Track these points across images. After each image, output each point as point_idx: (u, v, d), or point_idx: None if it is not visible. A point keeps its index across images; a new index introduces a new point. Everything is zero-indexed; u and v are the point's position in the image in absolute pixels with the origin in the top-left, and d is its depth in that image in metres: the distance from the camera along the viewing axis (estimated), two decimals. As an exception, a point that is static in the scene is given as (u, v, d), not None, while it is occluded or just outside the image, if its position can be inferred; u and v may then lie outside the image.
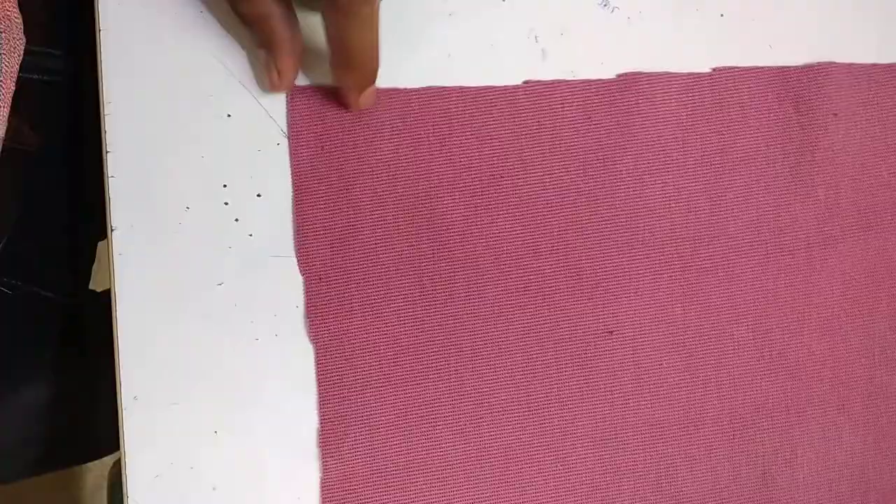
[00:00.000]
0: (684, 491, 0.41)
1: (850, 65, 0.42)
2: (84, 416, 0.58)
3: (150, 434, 0.39)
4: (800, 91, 0.42)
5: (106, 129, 0.38)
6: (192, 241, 0.39)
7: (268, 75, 0.38)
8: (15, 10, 0.38)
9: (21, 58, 0.39)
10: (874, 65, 0.42)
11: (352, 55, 0.36)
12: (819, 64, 0.42)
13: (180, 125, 0.39)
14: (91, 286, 0.57)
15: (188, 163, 0.39)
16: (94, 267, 0.57)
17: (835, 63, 0.42)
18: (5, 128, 0.37)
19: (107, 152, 0.38)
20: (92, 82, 0.39)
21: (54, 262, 0.54)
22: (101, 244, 0.56)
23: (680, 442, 0.41)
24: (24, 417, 0.54)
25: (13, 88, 0.38)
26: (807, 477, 0.41)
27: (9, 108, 0.38)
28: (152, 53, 0.39)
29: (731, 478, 0.41)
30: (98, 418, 0.55)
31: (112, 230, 0.39)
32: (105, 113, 0.38)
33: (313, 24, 0.39)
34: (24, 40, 0.39)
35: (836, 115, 0.42)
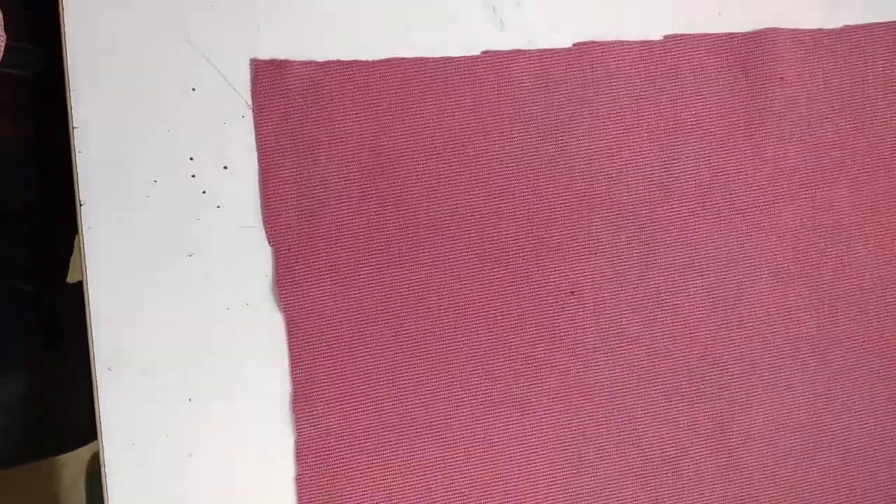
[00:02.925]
0: (645, 442, 0.43)
1: (795, 30, 0.44)
2: (58, 407, 0.58)
3: (125, 403, 0.40)
4: (748, 56, 0.43)
5: (72, 104, 0.39)
6: (161, 214, 0.40)
7: None
8: None
9: (1, 54, 0.39)
10: (818, 30, 0.44)
11: None
12: (765, 30, 0.43)
13: (146, 100, 0.39)
14: (69, 279, 0.57)
15: (154, 137, 0.40)
16: (73, 259, 0.58)
17: (780, 29, 0.43)
18: None
19: (73, 128, 0.39)
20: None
21: (31, 255, 0.54)
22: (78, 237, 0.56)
23: (641, 395, 0.43)
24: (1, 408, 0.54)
25: None
26: (762, 424, 0.43)
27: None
28: (117, 29, 0.39)
29: (689, 427, 0.43)
30: (72, 409, 0.56)
31: (81, 205, 0.39)
32: (71, 89, 0.39)
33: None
34: (5, 38, 0.39)
35: (782, 78, 0.43)
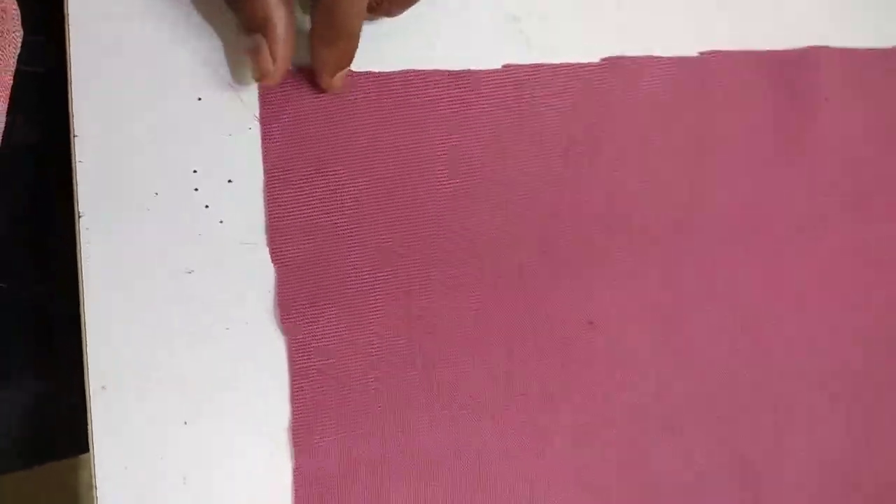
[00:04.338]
0: (666, 482, 0.40)
1: (843, 49, 0.41)
2: (63, 412, 0.58)
3: (119, 424, 0.38)
4: (790, 75, 0.40)
5: (73, 112, 0.37)
6: (162, 228, 0.38)
7: (259, 62, 0.35)
8: (11, 1, 0.37)
9: (18, 50, 0.38)
10: (867, 49, 0.41)
11: (337, 27, 0.35)
12: (811, 48, 0.41)
13: (149, 109, 0.38)
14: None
15: (157, 147, 0.38)
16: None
17: (827, 48, 0.41)
18: (4, 122, 0.37)
19: (74, 136, 0.38)
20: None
21: (38, 260, 0.53)
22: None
23: (661, 433, 0.40)
24: (4, 413, 0.54)
25: (10, 82, 0.37)
26: (793, 471, 0.40)
27: (7, 103, 0.37)
28: (121, 36, 0.38)
29: (712, 465, 0.40)
30: (77, 414, 0.55)
31: (80, 216, 0.38)
32: (72, 96, 0.37)
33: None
34: (22, 32, 0.38)
35: (827, 99, 0.40)
